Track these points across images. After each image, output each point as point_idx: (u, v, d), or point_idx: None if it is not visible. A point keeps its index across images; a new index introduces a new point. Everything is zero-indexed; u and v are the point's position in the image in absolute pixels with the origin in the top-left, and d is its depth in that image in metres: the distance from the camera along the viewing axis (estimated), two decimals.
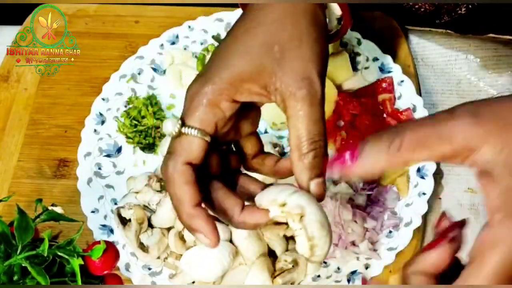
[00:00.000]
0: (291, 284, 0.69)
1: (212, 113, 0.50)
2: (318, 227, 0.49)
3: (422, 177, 0.75)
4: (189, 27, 0.88)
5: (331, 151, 0.80)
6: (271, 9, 0.53)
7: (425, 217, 0.76)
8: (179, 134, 0.49)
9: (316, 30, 0.53)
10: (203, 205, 0.50)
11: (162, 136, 0.80)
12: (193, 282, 0.70)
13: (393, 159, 0.44)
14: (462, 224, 0.48)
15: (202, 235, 0.49)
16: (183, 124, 0.49)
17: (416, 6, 0.83)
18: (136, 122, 0.81)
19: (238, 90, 0.50)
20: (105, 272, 0.53)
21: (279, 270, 0.69)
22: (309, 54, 0.51)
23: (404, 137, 0.44)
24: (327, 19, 0.63)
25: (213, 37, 0.88)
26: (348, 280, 0.70)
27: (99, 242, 0.52)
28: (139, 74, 0.85)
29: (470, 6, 0.79)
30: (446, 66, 0.88)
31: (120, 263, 0.71)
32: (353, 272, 0.71)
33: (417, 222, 0.72)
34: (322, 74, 0.52)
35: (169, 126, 0.49)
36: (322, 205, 0.73)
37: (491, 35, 0.89)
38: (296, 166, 0.51)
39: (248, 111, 0.54)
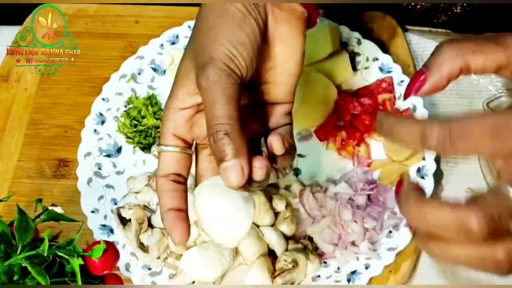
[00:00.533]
0: (291, 284, 0.70)
1: (172, 126, 0.56)
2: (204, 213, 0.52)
3: (422, 177, 0.75)
4: (189, 27, 0.88)
5: (332, 151, 0.80)
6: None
7: None
8: (158, 154, 0.57)
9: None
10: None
11: None
12: (193, 282, 0.70)
13: (456, 62, 0.49)
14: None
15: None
16: (159, 144, 0.56)
17: (413, 4, 0.83)
18: (136, 122, 0.81)
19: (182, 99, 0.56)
20: (105, 272, 0.53)
21: (279, 270, 0.69)
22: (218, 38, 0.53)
23: (464, 43, 0.50)
24: None
25: None
26: (348, 280, 0.70)
27: (99, 242, 0.52)
28: (139, 74, 0.85)
29: (465, 5, 0.80)
30: None
31: (120, 263, 0.71)
32: (353, 272, 0.71)
33: None
34: (226, 57, 0.52)
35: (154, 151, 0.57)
36: (322, 205, 0.74)
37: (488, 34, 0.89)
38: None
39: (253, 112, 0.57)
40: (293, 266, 0.69)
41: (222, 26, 0.54)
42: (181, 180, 0.56)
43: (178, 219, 0.55)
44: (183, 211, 0.56)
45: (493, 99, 0.81)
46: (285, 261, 0.69)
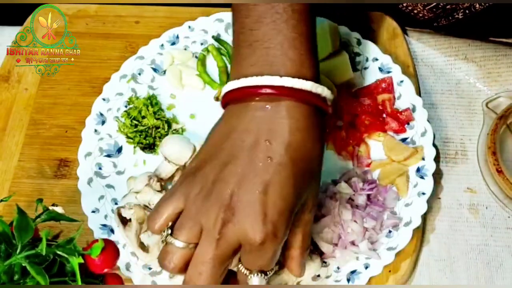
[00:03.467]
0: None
1: None
2: None
3: (422, 177, 0.76)
4: (189, 27, 0.89)
5: (331, 151, 0.80)
6: None
7: (424, 217, 0.76)
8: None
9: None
10: None
11: (163, 136, 0.80)
12: None
13: None
14: None
15: None
16: None
17: (415, 11, 0.84)
18: (136, 122, 0.81)
19: None
20: (105, 270, 0.53)
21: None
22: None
23: None
24: None
25: (213, 37, 0.88)
26: (348, 280, 0.71)
27: (97, 241, 0.52)
28: (139, 74, 0.85)
29: (467, 12, 0.80)
30: (445, 66, 0.88)
31: (121, 263, 0.71)
32: (353, 272, 0.71)
33: (417, 222, 0.73)
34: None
35: None
36: (322, 204, 0.74)
37: (490, 39, 0.89)
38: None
39: None
40: (279, 268, 0.68)
41: None
42: None
43: None
44: None
45: (492, 100, 0.81)
46: None
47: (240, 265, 0.60)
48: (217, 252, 0.57)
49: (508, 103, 0.80)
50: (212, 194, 0.57)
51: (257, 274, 0.58)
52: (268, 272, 0.60)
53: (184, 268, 0.59)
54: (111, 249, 0.53)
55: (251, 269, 0.59)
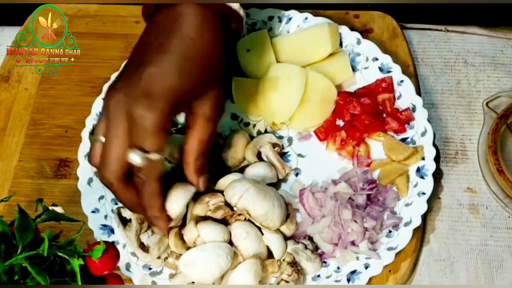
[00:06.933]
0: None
1: None
2: None
3: (422, 177, 0.76)
4: None
5: (331, 151, 0.80)
6: None
7: (424, 217, 0.76)
8: None
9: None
10: None
11: None
12: (193, 282, 0.70)
13: None
14: None
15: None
16: None
17: None
18: None
19: None
20: (105, 272, 0.53)
21: (279, 279, 0.69)
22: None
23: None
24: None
25: None
26: (348, 280, 0.71)
27: (99, 243, 0.52)
28: None
29: None
30: (445, 66, 0.88)
31: (121, 263, 0.71)
32: (353, 272, 0.71)
33: (417, 222, 0.73)
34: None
35: None
36: (322, 204, 0.74)
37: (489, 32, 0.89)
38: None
39: None
40: (293, 280, 0.69)
41: None
42: None
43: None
44: None
45: (492, 99, 0.81)
46: (288, 275, 0.69)
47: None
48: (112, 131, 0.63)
49: (508, 102, 0.80)
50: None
51: (135, 150, 0.63)
52: (149, 152, 0.63)
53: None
54: (111, 252, 0.53)
55: (133, 146, 0.63)
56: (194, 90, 0.65)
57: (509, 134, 0.79)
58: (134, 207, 0.68)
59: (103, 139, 0.65)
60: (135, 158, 0.63)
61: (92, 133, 0.66)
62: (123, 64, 0.71)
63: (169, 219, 0.68)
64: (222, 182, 0.73)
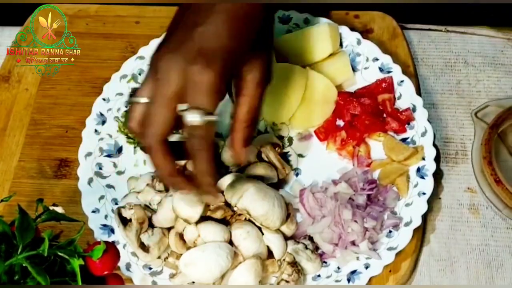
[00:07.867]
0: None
1: None
2: None
3: (422, 177, 0.76)
4: None
5: (332, 151, 0.80)
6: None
7: (425, 217, 0.76)
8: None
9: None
10: None
11: None
12: (193, 282, 0.71)
13: None
14: None
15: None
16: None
17: None
18: None
19: None
20: (106, 272, 0.53)
21: (280, 279, 0.69)
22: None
23: None
24: None
25: None
26: (348, 280, 0.71)
27: (99, 243, 0.52)
28: (139, 74, 0.85)
29: None
30: (445, 66, 0.88)
31: (121, 263, 0.71)
32: (353, 272, 0.71)
33: (417, 222, 0.73)
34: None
35: None
36: (322, 205, 0.74)
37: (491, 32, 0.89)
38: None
39: None
40: (293, 280, 0.69)
41: None
42: None
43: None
44: None
45: (480, 109, 0.80)
46: (288, 275, 0.69)
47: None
48: (162, 91, 0.60)
49: (496, 111, 0.79)
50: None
51: (192, 111, 0.59)
52: (206, 113, 0.59)
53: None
54: (112, 252, 0.53)
55: (191, 106, 0.59)
56: (245, 51, 0.62)
57: (500, 143, 0.78)
58: (167, 176, 0.64)
59: (145, 100, 0.61)
60: (194, 117, 0.58)
61: (132, 95, 0.62)
62: (167, 28, 0.66)
63: (218, 190, 0.67)
64: (222, 182, 0.73)
